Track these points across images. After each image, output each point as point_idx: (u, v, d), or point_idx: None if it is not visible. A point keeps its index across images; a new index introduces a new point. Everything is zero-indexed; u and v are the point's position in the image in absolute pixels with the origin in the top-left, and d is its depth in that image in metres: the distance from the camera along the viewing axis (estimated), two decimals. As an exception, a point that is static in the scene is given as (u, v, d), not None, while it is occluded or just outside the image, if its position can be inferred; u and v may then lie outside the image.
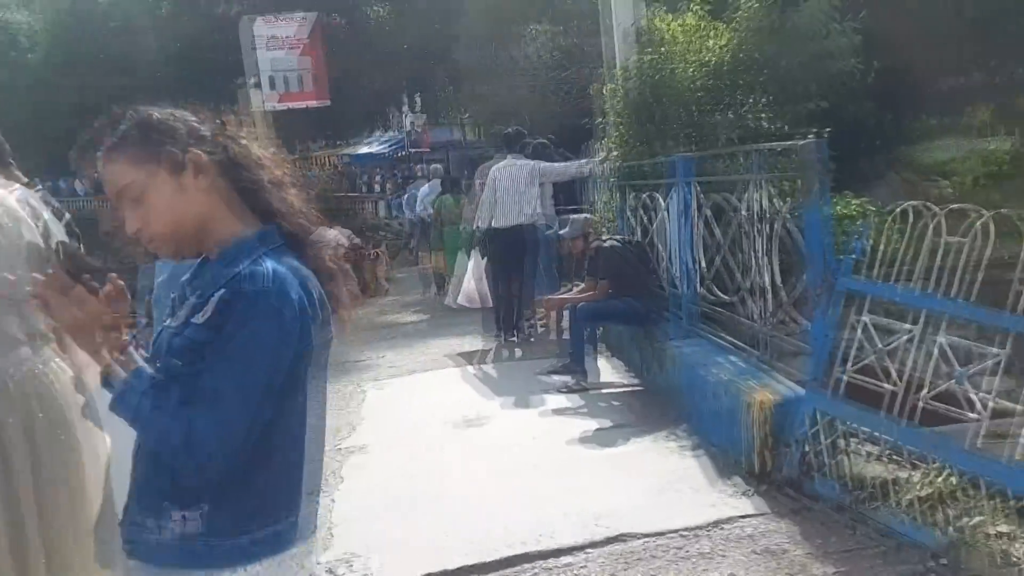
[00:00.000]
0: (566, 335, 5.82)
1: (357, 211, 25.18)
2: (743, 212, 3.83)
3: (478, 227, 7.00)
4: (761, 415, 3.34)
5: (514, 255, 6.92)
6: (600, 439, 4.14)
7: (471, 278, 7.15)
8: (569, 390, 5.10)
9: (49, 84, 31.25)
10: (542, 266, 7.30)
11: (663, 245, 5.25)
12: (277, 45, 11.15)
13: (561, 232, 5.82)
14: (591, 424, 4.40)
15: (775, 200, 3.40)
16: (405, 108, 28.05)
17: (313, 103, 11.82)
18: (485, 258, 7.15)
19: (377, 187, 26.58)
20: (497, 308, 7.08)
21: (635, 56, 6.53)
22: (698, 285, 4.63)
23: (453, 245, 8.67)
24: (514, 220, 6.78)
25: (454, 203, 9.22)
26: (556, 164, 7.24)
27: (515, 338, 6.93)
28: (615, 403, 4.84)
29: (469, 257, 7.14)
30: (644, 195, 5.61)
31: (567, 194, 8.59)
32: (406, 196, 21.03)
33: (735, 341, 4.07)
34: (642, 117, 6.05)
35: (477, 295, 7.09)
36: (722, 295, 4.24)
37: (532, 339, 6.93)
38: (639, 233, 5.95)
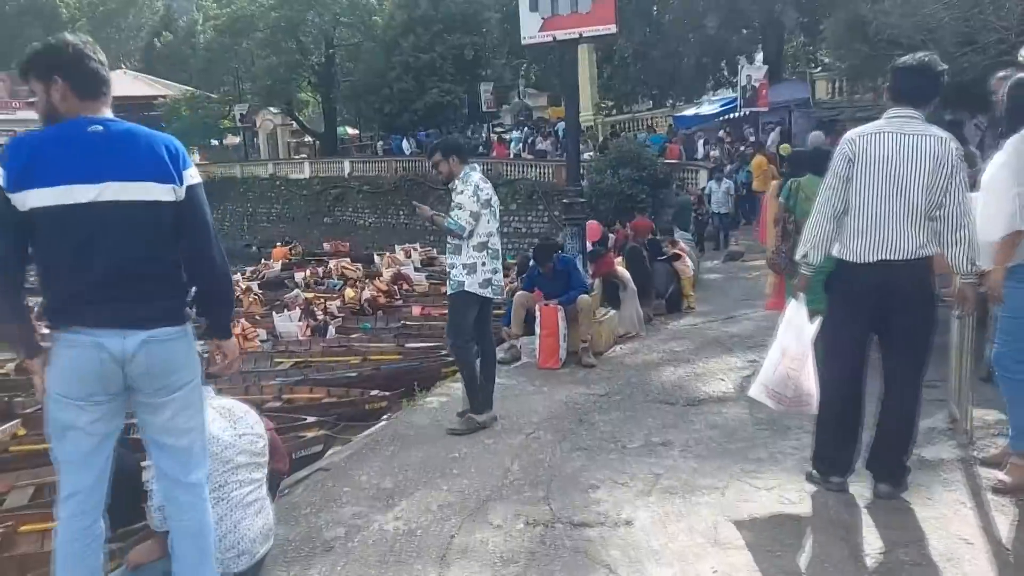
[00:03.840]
0: None
1: (685, 184, 21.53)
2: None
3: (806, 258, 3.55)
4: None
5: (891, 317, 3.37)
6: None
7: (784, 354, 3.66)
8: None
9: (389, 46, 32.42)
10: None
11: None
12: (542, -58, 7.25)
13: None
14: None
15: None
16: (742, 60, 23.76)
17: (590, 30, 7.67)
18: (819, 318, 3.64)
19: (700, 154, 22.86)
20: (832, 418, 3.54)
21: None
22: None
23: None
24: (902, 250, 3.26)
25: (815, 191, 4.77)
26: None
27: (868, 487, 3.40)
28: None
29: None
30: None
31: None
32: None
33: None
34: None
35: (790, 390, 3.63)
36: None
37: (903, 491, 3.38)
38: None
